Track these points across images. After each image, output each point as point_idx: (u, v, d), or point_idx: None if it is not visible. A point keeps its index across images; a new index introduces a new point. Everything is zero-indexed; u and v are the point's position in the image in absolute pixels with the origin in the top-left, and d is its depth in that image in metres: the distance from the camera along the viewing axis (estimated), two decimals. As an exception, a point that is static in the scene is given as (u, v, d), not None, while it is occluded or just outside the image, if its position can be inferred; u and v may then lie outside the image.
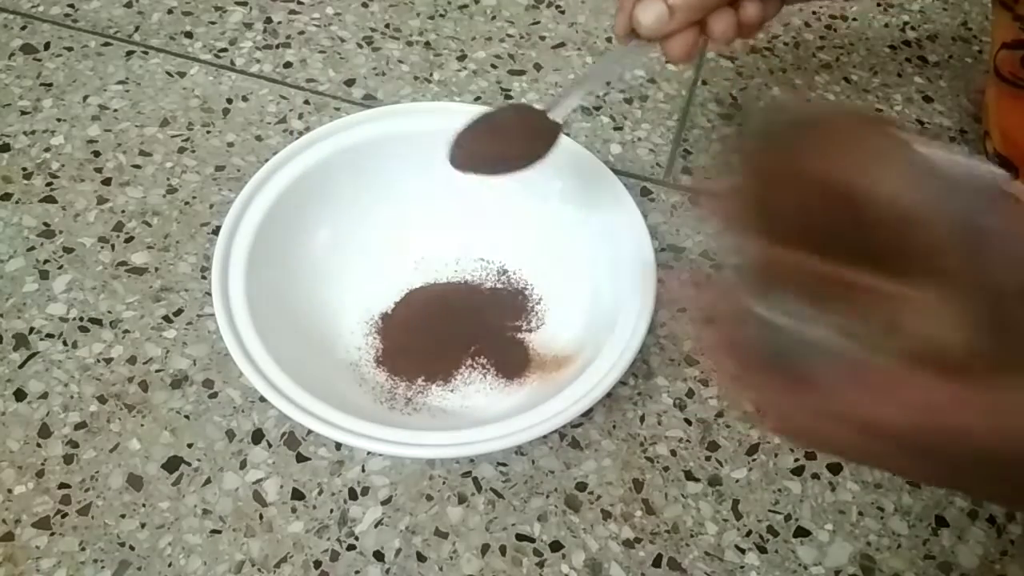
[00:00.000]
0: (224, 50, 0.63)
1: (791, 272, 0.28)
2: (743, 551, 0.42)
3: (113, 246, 0.52)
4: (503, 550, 0.42)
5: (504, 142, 0.41)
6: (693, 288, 0.32)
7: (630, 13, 0.37)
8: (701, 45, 0.38)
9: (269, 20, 0.65)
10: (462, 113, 0.51)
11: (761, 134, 0.29)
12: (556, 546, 0.42)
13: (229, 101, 0.60)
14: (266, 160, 0.48)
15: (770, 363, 0.28)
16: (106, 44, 0.63)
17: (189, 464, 0.44)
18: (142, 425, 0.45)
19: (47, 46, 0.62)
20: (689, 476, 0.45)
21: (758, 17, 0.37)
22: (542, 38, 0.65)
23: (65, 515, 0.42)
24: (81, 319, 0.49)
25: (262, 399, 0.44)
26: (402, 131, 0.50)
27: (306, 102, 0.60)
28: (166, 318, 0.49)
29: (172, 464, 0.44)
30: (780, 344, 0.28)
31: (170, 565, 0.41)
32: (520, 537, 0.42)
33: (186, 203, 0.54)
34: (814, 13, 0.68)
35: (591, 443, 0.45)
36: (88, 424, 0.45)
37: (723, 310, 0.28)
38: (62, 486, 0.43)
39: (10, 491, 0.43)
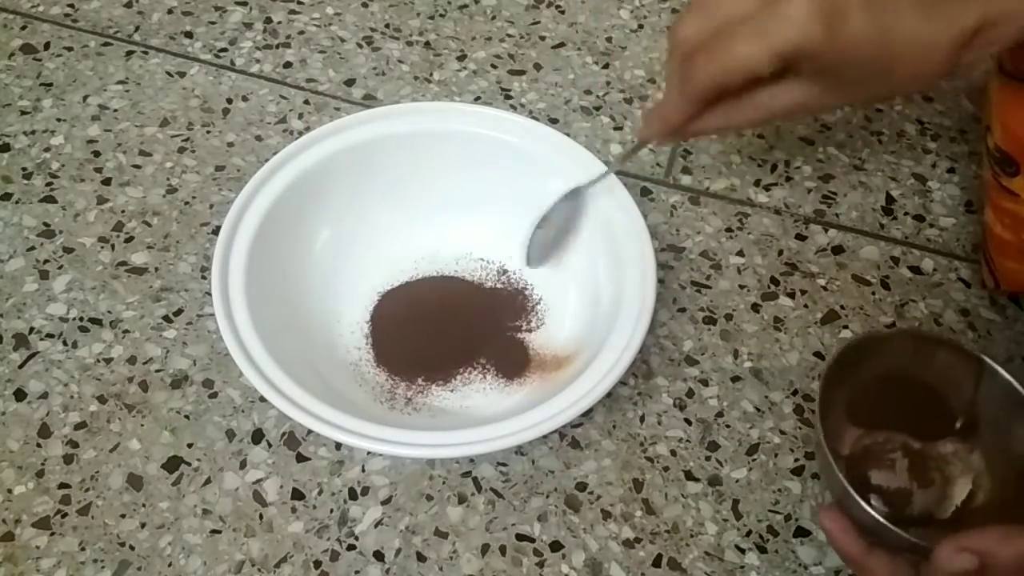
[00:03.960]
0: (224, 50, 0.63)
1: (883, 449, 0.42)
2: (743, 551, 0.42)
3: (113, 246, 0.52)
4: (503, 550, 0.42)
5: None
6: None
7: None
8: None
9: (269, 20, 0.65)
10: (462, 113, 0.51)
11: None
12: (556, 546, 0.42)
13: (229, 101, 0.60)
14: (266, 160, 0.48)
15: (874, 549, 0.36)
16: (106, 44, 0.63)
17: (189, 464, 0.44)
18: (142, 425, 0.45)
19: (47, 46, 0.62)
20: (689, 476, 0.45)
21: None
22: (542, 38, 0.65)
23: (65, 515, 0.42)
24: (81, 319, 0.49)
25: (262, 399, 0.44)
26: (402, 131, 0.50)
27: (306, 102, 0.60)
28: (166, 318, 0.49)
29: (172, 464, 0.44)
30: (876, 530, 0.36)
31: (170, 565, 0.41)
32: (520, 537, 0.42)
33: (186, 203, 0.54)
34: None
35: (591, 443, 0.45)
36: (88, 424, 0.45)
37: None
38: (62, 486, 0.43)
39: (10, 491, 0.43)
